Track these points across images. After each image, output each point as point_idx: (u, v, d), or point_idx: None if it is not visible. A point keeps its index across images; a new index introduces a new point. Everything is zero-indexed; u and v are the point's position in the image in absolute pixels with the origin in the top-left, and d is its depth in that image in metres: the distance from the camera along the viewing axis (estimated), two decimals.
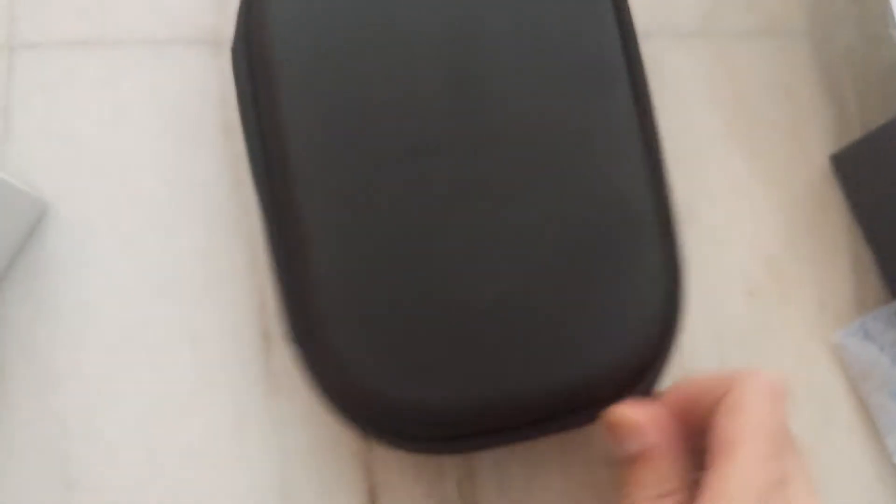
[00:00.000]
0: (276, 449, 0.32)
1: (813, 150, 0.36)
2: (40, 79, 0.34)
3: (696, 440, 0.26)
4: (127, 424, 0.32)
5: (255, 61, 0.29)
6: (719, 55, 0.36)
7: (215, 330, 0.33)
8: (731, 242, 0.35)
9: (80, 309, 0.33)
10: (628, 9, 0.30)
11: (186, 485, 0.31)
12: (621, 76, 0.29)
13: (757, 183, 0.35)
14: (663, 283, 0.29)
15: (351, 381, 0.27)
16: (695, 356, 0.34)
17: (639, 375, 0.28)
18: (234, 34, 0.30)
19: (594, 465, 0.32)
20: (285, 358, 0.32)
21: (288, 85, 0.28)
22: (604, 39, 0.29)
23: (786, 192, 0.35)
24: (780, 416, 0.25)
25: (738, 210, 0.36)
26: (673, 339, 0.29)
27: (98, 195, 0.34)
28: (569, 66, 0.29)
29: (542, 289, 0.28)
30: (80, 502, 0.31)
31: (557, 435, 0.29)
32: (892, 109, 0.34)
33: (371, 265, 0.28)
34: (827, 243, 0.35)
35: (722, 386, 0.25)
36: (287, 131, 0.28)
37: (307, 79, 0.28)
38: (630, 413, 0.26)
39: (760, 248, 0.35)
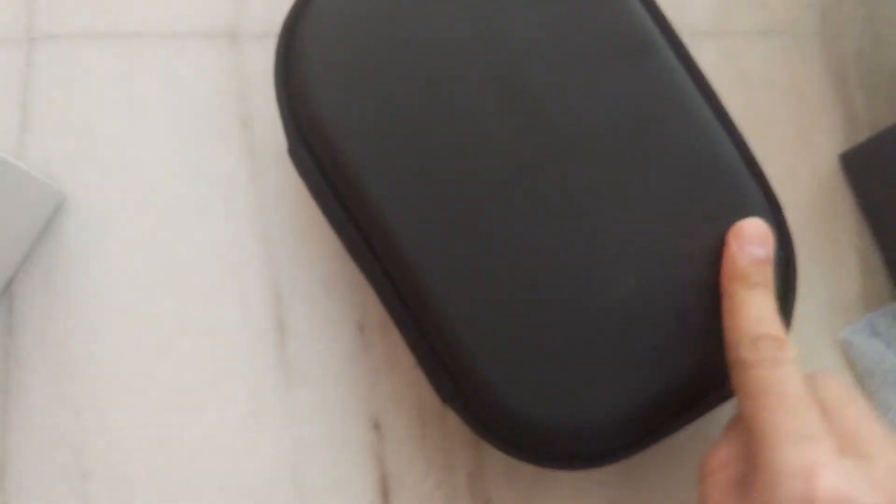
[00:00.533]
0: (289, 440, 0.32)
1: (821, 150, 0.36)
2: (59, 71, 0.35)
3: None
4: (141, 415, 0.32)
5: (315, 151, 0.29)
6: (729, 54, 0.36)
7: (230, 321, 0.33)
8: None
9: (95, 300, 0.33)
10: None
11: (200, 475, 0.32)
12: (657, 39, 0.29)
13: None
14: (776, 227, 0.28)
15: (525, 423, 0.27)
16: None
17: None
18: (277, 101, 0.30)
19: None
20: (298, 349, 0.33)
21: (357, 155, 0.28)
22: (629, 10, 0.29)
23: (794, 191, 0.35)
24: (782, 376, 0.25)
25: None
26: (796, 279, 0.29)
27: (114, 187, 0.34)
28: (604, 43, 0.29)
29: (668, 273, 0.28)
30: (94, 492, 0.31)
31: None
32: None
33: (499, 303, 0.27)
34: (835, 241, 0.35)
35: None
36: (378, 207, 0.28)
37: (375, 144, 0.28)
38: None
39: None
